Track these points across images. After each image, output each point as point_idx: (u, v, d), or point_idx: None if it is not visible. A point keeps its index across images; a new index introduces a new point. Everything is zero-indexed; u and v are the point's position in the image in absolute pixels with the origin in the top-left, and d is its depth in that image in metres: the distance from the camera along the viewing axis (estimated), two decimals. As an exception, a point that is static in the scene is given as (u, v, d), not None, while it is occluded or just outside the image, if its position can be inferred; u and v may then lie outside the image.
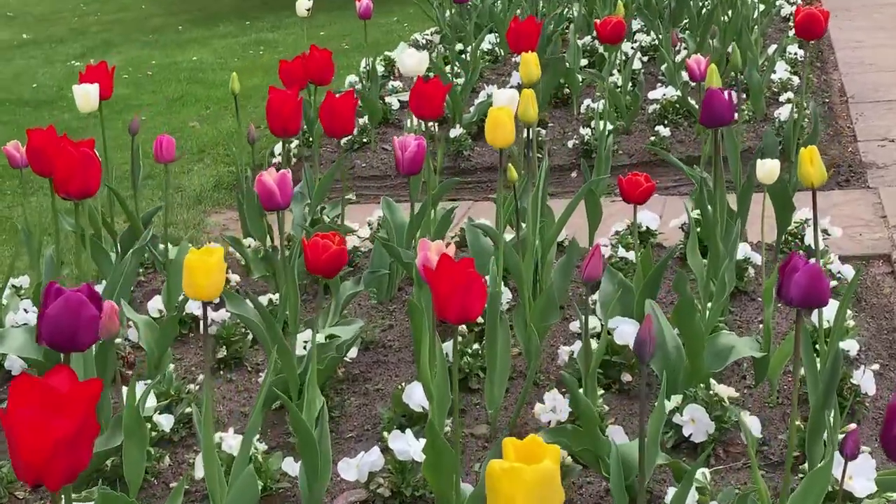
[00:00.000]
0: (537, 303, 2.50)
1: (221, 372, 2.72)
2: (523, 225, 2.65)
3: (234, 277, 3.16)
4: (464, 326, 2.66)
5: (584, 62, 5.70)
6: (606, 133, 3.47)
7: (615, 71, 5.15)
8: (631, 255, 3.07)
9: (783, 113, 4.44)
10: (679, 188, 4.34)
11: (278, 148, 4.77)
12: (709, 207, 2.59)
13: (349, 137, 4.89)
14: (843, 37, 6.54)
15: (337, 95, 2.67)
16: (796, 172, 3.13)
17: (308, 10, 4.79)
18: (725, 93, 2.26)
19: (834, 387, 1.80)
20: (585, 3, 6.18)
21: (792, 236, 3.28)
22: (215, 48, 8.34)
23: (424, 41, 6.66)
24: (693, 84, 3.61)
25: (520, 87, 4.73)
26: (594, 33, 5.84)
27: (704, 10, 5.49)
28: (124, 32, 9.50)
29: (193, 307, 2.82)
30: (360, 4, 4.79)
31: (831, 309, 2.34)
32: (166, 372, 2.41)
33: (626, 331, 2.45)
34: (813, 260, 1.57)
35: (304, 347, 2.44)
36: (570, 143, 4.60)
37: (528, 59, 2.86)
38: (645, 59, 5.72)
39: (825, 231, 3.28)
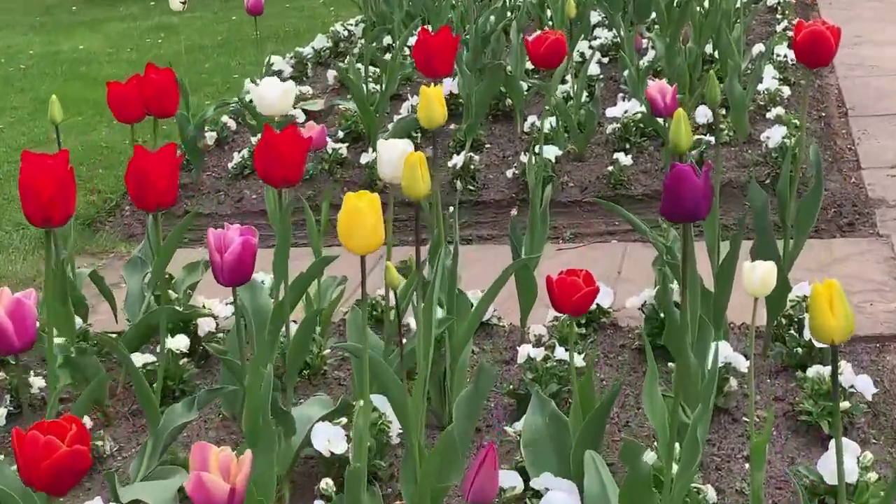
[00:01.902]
0: (433, 453, 1.87)
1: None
2: (420, 317, 2.00)
3: (38, 382, 2.50)
4: None
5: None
6: (543, 176, 2.84)
7: (568, 77, 4.53)
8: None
9: (772, 135, 3.84)
10: (643, 231, 3.72)
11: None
12: (675, 313, 1.97)
13: (239, 160, 4.23)
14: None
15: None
16: (792, 247, 2.52)
17: (184, 2, 4.11)
18: (701, 166, 1.64)
19: None
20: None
21: (787, 319, 2.67)
22: (108, 34, 7.62)
23: (346, 33, 5.99)
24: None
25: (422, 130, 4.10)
26: (549, 23, 5.22)
27: (676, 3, 4.86)
28: (7, 12, 8.74)
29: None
30: (248, -2, 4.13)
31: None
32: None
33: (556, 501, 1.82)
34: None
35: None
36: (509, 173, 3.97)
37: (430, 97, 2.22)
38: (606, 60, 5.10)
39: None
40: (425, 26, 5.50)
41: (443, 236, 2.44)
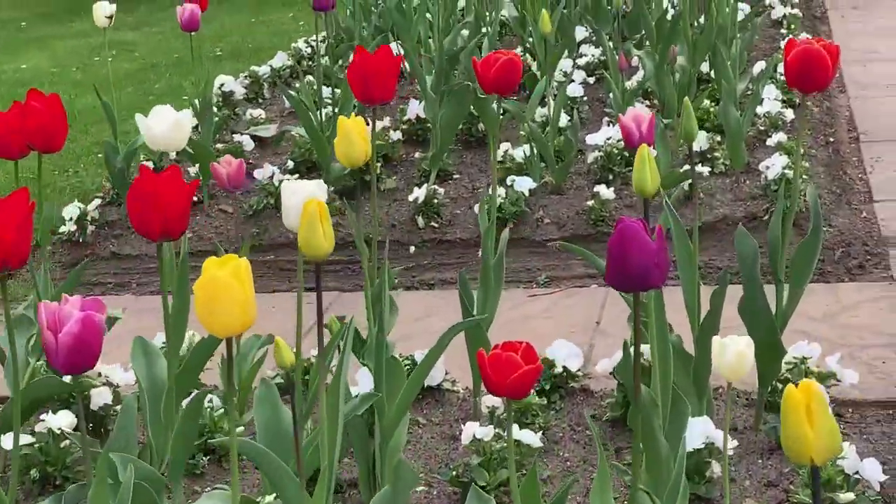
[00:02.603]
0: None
1: None
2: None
3: None
4: None
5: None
6: (514, 211, 2.59)
7: (551, 98, 4.29)
8: (528, 435, 2.17)
9: (771, 165, 3.59)
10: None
11: (71, 210, 3.84)
12: (643, 404, 1.71)
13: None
14: (851, 44, 5.71)
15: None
16: (787, 299, 2.26)
17: (110, 17, 3.87)
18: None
19: None
20: (519, 4, 5.32)
21: (783, 385, 2.40)
22: (57, 52, 7.39)
23: (310, 50, 5.76)
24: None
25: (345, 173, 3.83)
26: (530, 40, 4.98)
27: (669, 17, 4.63)
28: (-47, 29, 8.52)
29: None
30: (182, 13, 3.88)
31: None
32: None
33: None
34: None
35: None
36: (478, 207, 3.71)
37: (349, 130, 1.96)
38: (592, 79, 4.86)
39: (831, 376, 2.41)
40: (395, 42, 5.27)
41: (385, 284, 2.19)
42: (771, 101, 4.22)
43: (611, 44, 4.53)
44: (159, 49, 6.96)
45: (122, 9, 8.86)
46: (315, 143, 3.91)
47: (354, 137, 1.97)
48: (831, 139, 4.33)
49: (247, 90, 5.15)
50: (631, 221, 1.35)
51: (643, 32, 4.65)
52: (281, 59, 5.58)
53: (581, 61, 4.99)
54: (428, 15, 5.34)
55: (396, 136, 4.23)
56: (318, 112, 4.09)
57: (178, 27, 7.54)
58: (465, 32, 4.83)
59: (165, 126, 2.03)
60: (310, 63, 5.58)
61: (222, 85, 4.97)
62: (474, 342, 2.37)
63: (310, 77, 4.88)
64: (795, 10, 5.77)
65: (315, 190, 1.82)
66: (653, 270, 1.34)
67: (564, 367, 2.51)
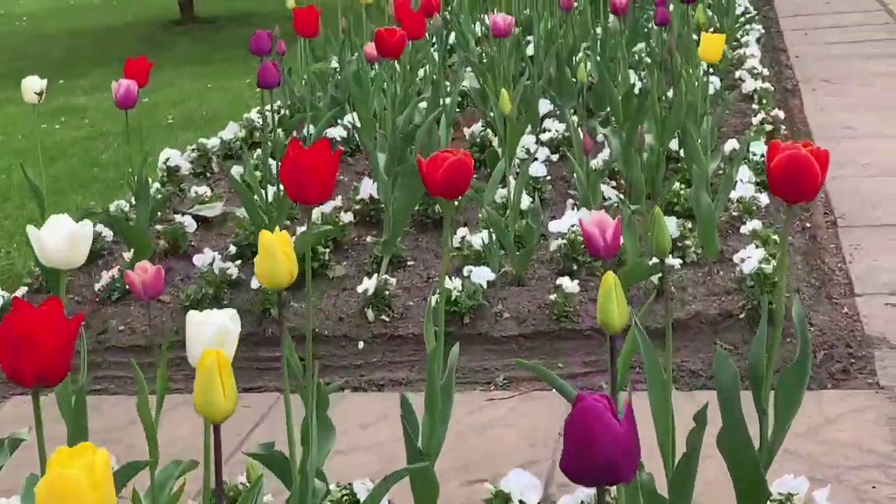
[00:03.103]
0: None
1: None
2: None
3: None
4: None
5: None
6: (471, 305, 2.33)
7: (512, 177, 4.05)
8: None
9: (746, 258, 3.35)
10: (590, 376, 3.20)
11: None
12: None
13: (107, 282, 3.69)
14: (824, 120, 5.52)
15: None
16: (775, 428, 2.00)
17: (40, 94, 3.59)
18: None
19: None
20: (480, 77, 5.09)
21: (766, 524, 2.13)
22: (5, 117, 7.10)
23: (260, 121, 5.50)
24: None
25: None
26: (491, 114, 4.75)
27: (636, 91, 4.41)
28: None
29: None
30: (117, 89, 3.61)
31: None
32: None
33: None
34: None
35: None
36: (434, 300, 3.43)
37: (270, 246, 1.69)
38: (556, 157, 4.63)
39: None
40: (352, 114, 5.03)
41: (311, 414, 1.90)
42: (744, 184, 3.99)
43: (575, 118, 4.30)
44: (110, 116, 6.67)
45: (76, 72, 8.62)
46: (258, 228, 3.63)
47: (278, 255, 1.69)
48: (808, 224, 4.10)
49: (194, 164, 4.88)
50: (593, 400, 1.08)
51: (609, 109, 4.42)
52: (232, 131, 5.32)
53: (545, 136, 4.76)
54: (384, 85, 5.11)
55: (348, 217, 3.97)
56: (265, 191, 3.82)
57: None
58: (424, 105, 4.59)
59: (59, 242, 1.74)
60: (262, 134, 5.32)
61: (167, 159, 4.70)
62: (419, 481, 2.08)
63: (259, 151, 4.62)
64: (766, 84, 5.58)
65: (226, 323, 1.54)
66: (621, 462, 1.06)
67: (521, 503, 2.23)
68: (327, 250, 3.76)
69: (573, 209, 3.89)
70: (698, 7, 4.30)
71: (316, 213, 3.99)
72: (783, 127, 5.02)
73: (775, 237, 3.62)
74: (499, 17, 4.30)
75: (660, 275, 3.28)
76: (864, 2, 8.70)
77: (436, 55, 6.10)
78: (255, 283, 3.47)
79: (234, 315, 1.58)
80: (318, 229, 3.62)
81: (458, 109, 5.54)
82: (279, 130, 5.17)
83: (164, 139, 6.06)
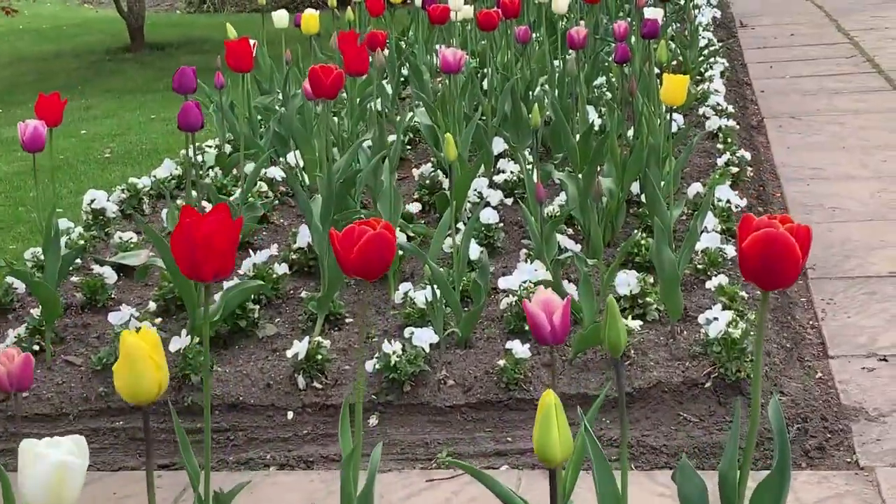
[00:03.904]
0: None
1: None
2: None
3: None
4: None
5: (415, 207, 4.28)
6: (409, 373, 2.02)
7: (463, 223, 3.75)
8: None
9: (712, 319, 3.06)
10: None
11: None
12: None
13: (13, 340, 3.35)
14: (791, 160, 5.27)
15: None
16: None
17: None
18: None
19: None
20: (432, 113, 4.79)
21: None
22: (-67, 149, 6.71)
23: (201, 157, 5.17)
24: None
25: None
26: (441, 155, 4.45)
27: (596, 128, 4.13)
28: None
29: None
30: (24, 130, 3.29)
31: None
32: None
33: None
34: None
35: None
36: (370, 365, 3.12)
37: (133, 352, 1.37)
38: (510, 201, 4.34)
39: None
40: (294, 152, 4.72)
41: None
42: (709, 232, 3.71)
43: (531, 157, 4.00)
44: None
45: (15, 101, 8.24)
46: (177, 281, 3.30)
47: (141, 365, 1.37)
48: (777, 276, 3.81)
49: (123, 205, 4.55)
50: None
51: (566, 151, 4.13)
52: (168, 168, 4.98)
53: (499, 178, 4.47)
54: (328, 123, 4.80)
55: (282, 269, 3.64)
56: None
57: (73, 122, 6.95)
58: (369, 144, 4.28)
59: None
60: (201, 173, 5.00)
61: (92, 201, 4.36)
62: None
63: (194, 192, 4.29)
64: (731, 122, 5.32)
65: (66, 460, 1.22)
66: None
67: None
68: (257, 307, 3.44)
69: (526, 261, 3.59)
70: (660, 44, 4.03)
71: (248, 264, 3.66)
72: (749, 169, 4.75)
73: (742, 293, 3.35)
74: (448, 52, 4.00)
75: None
76: (830, 34, 8.51)
77: (389, 88, 5.82)
78: (174, 345, 3.14)
79: (80, 443, 1.26)
80: (246, 286, 3.29)
81: (408, 147, 5.25)
82: (216, 170, 4.85)
83: (98, 176, 5.72)
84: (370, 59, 3.65)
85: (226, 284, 3.33)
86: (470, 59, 5.41)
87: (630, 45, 6.27)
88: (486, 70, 5.70)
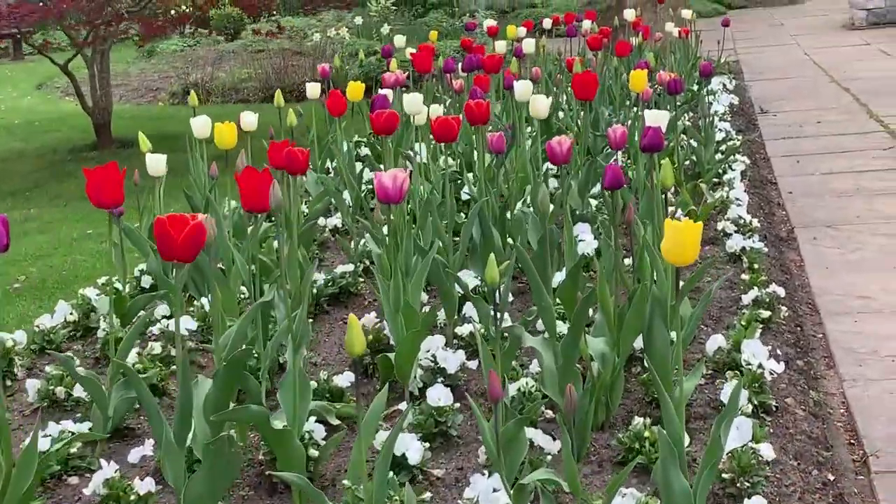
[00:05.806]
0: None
1: None
2: None
3: None
4: None
5: (345, 380, 3.27)
6: None
7: (408, 410, 2.75)
8: None
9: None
10: None
11: None
12: None
13: None
14: (832, 285, 4.27)
15: None
16: None
17: None
18: None
19: None
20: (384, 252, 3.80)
21: None
22: None
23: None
24: None
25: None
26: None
27: (581, 280, 3.14)
28: None
29: None
30: None
31: None
32: None
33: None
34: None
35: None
36: None
37: None
38: (475, 363, 3.34)
39: None
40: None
41: None
42: (737, 417, 2.70)
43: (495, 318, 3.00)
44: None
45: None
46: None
47: None
48: (828, 472, 2.80)
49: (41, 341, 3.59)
50: None
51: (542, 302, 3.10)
52: (62, 313, 4.01)
53: (464, 329, 3.47)
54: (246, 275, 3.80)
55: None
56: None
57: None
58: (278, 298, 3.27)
59: None
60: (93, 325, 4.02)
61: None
62: None
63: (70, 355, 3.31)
64: (756, 242, 4.33)
65: None
66: None
67: None
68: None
69: (484, 473, 2.57)
70: (665, 164, 3.04)
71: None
72: (784, 307, 3.74)
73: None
74: (387, 178, 3.01)
75: None
76: (861, 121, 7.53)
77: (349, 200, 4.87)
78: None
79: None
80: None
81: (362, 277, 4.27)
82: (113, 319, 3.87)
83: (9, 307, 4.76)
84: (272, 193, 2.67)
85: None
86: (446, 162, 4.42)
87: (630, 151, 5.31)
88: (469, 175, 4.74)
